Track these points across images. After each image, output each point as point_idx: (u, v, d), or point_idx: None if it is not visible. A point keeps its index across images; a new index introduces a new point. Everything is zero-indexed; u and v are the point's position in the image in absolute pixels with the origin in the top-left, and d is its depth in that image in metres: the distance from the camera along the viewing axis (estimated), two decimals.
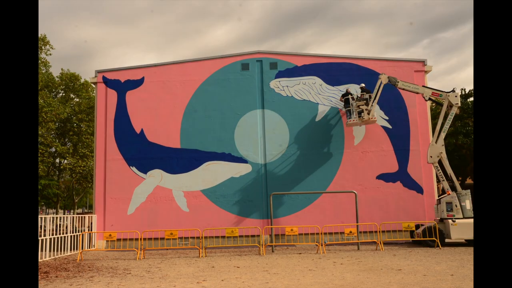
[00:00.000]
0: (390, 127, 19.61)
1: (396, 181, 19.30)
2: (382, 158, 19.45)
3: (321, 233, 16.82)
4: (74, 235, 17.21)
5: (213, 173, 19.49)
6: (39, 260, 14.28)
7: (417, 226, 17.34)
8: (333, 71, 20.11)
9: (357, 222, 16.74)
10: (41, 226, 20.61)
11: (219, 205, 19.25)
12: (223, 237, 17.55)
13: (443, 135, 17.30)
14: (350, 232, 16.40)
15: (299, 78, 20.13)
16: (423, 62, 20.16)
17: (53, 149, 35.31)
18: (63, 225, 24.49)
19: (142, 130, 19.92)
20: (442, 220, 16.84)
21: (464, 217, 16.40)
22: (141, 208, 19.29)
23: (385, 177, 19.31)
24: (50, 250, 15.71)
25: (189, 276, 10.65)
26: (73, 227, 21.52)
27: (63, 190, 44.79)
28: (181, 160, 19.61)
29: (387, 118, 19.78)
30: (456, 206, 16.53)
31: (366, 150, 19.58)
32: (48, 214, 51.53)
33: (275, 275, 10.40)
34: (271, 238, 17.43)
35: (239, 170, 19.50)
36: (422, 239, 16.40)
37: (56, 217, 17.67)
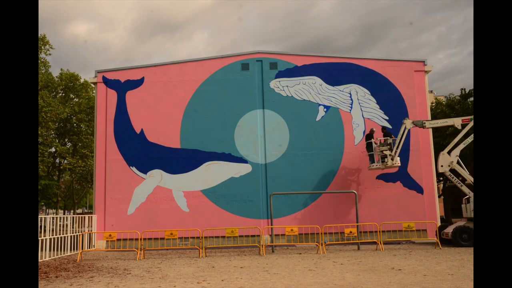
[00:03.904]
0: (390, 127, 19.60)
1: (396, 181, 19.30)
2: None
3: (321, 233, 16.82)
4: (74, 235, 17.21)
5: (213, 173, 19.48)
6: (39, 260, 14.28)
7: (443, 226, 17.44)
8: (333, 71, 20.11)
9: (357, 222, 16.74)
10: (41, 226, 20.61)
11: (219, 205, 19.25)
12: (223, 237, 17.55)
13: (462, 146, 16.97)
14: (350, 232, 16.39)
15: (299, 78, 20.12)
16: (423, 62, 20.16)
17: (53, 149, 35.31)
18: (63, 225, 24.49)
19: (142, 130, 19.92)
20: (471, 220, 16.62)
21: None
22: (141, 208, 19.29)
23: (385, 177, 19.31)
24: (50, 250, 15.71)
25: (189, 276, 10.65)
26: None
27: (63, 190, 44.78)
28: (181, 160, 19.61)
29: (387, 118, 19.78)
30: None
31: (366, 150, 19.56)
32: (48, 214, 51.53)
33: (275, 275, 10.40)
34: (271, 238, 17.43)
35: (239, 170, 19.50)
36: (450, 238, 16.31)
37: (56, 217, 17.68)
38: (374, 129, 18.70)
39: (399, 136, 17.61)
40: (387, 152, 17.49)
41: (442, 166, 17.06)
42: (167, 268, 12.32)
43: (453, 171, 17.68)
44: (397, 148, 17.50)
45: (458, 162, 17.22)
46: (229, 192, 19.33)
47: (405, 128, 17.55)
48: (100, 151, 19.80)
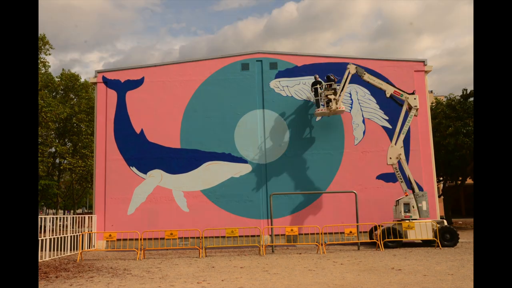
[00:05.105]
0: (390, 127, 19.60)
1: (396, 181, 19.27)
2: (382, 158, 19.40)
3: (321, 233, 16.82)
4: (74, 235, 17.21)
5: (213, 173, 19.48)
6: (39, 260, 14.28)
7: (375, 227, 17.31)
8: (333, 71, 20.08)
9: (357, 222, 16.74)
10: (41, 226, 20.61)
11: (219, 205, 19.25)
12: (223, 237, 17.55)
13: (402, 136, 17.39)
14: (350, 232, 16.38)
15: (299, 78, 20.13)
16: (423, 62, 20.17)
17: (53, 149, 35.29)
18: (63, 225, 24.51)
19: (142, 130, 19.92)
20: (400, 221, 16.87)
21: (420, 218, 16.65)
22: (141, 208, 19.29)
23: (385, 177, 19.31)
24: (50, 250, 15.71)
25: (189, 276, 10.65)
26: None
27: (63, 190, 44.77)
28: (181, 160, 19.61)
29: (387, 118, 19.78)
30: (413, 207, 16.69)
31: (366, 150, 19.58)
32: (48, 214, 51.57)
33: (275, 275, 10.40)
34: (271, 238, 17.42)
35: (239, 170, 19.50)
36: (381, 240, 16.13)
37: (56, 217, 17.68)
38: (318, 76, 19.24)
39: (343, 80, 18.28)
40: (332, 96, 18.16)
41: (390, 158, 17.29)
42: (167, 268, 12.32)
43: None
44: (341, 92, 18.17)
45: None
46: (229, 192, 19.33)
47: (348, 72, 18.19)
48: (100, 151, 19.80)
